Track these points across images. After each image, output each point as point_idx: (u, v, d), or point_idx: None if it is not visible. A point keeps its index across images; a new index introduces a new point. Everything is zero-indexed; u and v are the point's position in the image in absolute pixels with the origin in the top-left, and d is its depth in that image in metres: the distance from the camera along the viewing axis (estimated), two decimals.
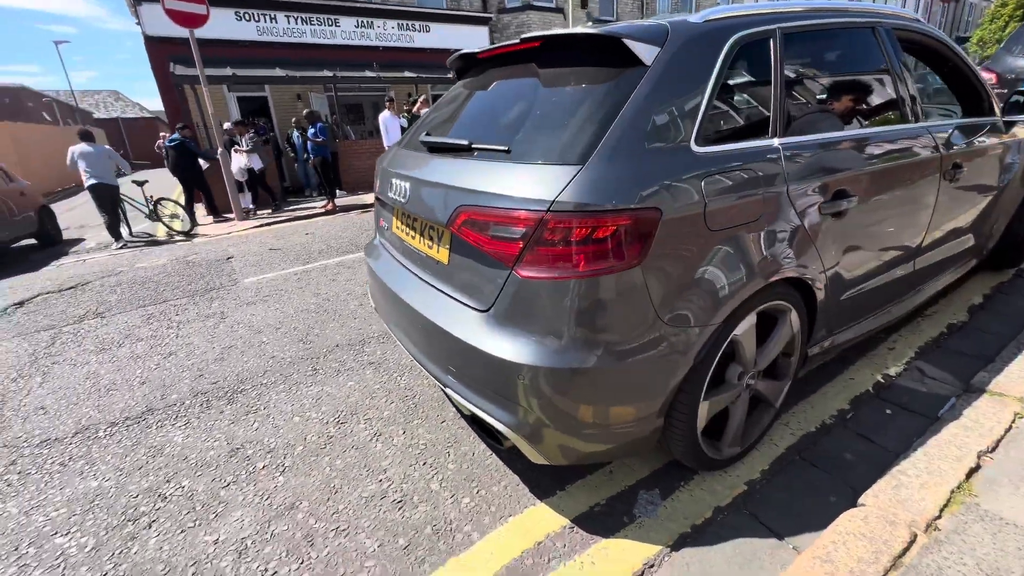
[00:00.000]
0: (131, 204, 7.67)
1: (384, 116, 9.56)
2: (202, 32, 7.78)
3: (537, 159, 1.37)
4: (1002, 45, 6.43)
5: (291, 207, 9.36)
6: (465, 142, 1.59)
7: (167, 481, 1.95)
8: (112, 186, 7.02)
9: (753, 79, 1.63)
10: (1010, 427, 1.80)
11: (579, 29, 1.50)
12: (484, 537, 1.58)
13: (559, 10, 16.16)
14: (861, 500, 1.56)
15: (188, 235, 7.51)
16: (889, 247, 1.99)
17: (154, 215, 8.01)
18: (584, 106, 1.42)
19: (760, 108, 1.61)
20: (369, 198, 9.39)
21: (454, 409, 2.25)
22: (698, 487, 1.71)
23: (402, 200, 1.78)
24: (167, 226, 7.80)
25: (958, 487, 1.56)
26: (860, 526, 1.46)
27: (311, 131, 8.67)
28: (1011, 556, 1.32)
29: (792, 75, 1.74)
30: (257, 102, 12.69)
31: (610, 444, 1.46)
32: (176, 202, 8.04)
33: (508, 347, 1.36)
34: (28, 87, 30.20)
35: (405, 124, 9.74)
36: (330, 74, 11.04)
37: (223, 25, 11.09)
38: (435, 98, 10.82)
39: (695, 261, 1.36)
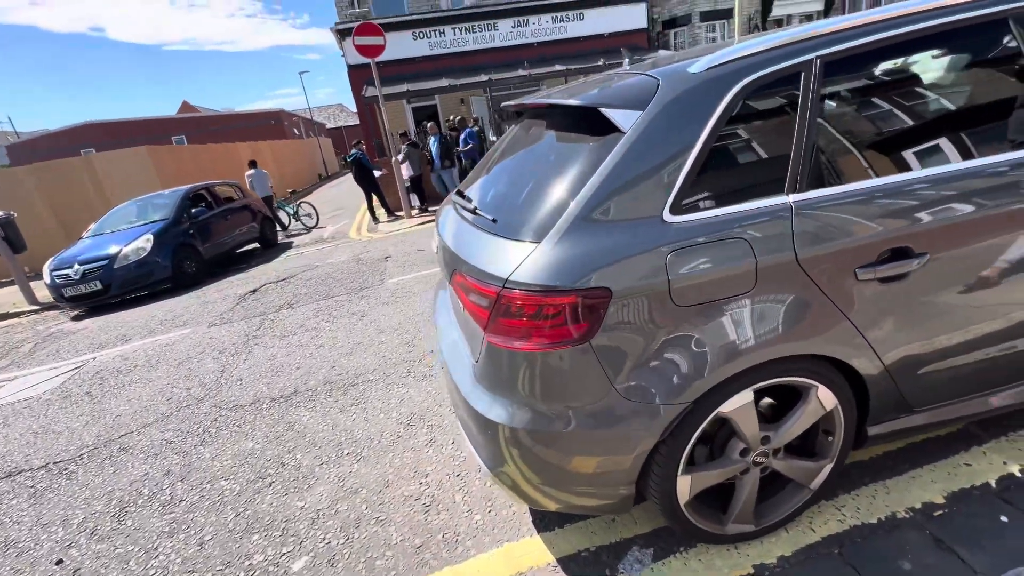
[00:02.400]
0: (282, 208, 11.30)
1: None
2: (385, 55, 9.19)
3: (509, 233, 1.48)
4: None
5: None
6: (472, 207, 1.76)
7: (288, 452, 2.64)
8: (268, 196, 10.80)
9: (765, 127, 1.43)
10: None
11: (563, 100, 1.53)
12: (478, 556, 1.80)
13: None
14: None
15: (309, 229, 10.57)
16: (992, 309, 1.51)
17: (295, 216, 11.16)
18: (554, 178, 1.47)
19: (772, 160, 1.40)
20: None
21: None
22: (696, 557, 1.63)
23: (434, 249, 2.06)
24: (303, 223, 11.13)
25: None
26: None
27: (461, 136, 9.55)
28: None
29: (834, 113, 1.45)
30: (429, 110, 14.41)
31: (575, 501, 1.53)
32: (310, 204, 11.49)
33: (477, 398, 1.53)
34: (284, 109, 39.35)
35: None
36: (485, 78, 11.90)
37: (402, 45, 12.85)
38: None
39: (655, 338, 1.32)
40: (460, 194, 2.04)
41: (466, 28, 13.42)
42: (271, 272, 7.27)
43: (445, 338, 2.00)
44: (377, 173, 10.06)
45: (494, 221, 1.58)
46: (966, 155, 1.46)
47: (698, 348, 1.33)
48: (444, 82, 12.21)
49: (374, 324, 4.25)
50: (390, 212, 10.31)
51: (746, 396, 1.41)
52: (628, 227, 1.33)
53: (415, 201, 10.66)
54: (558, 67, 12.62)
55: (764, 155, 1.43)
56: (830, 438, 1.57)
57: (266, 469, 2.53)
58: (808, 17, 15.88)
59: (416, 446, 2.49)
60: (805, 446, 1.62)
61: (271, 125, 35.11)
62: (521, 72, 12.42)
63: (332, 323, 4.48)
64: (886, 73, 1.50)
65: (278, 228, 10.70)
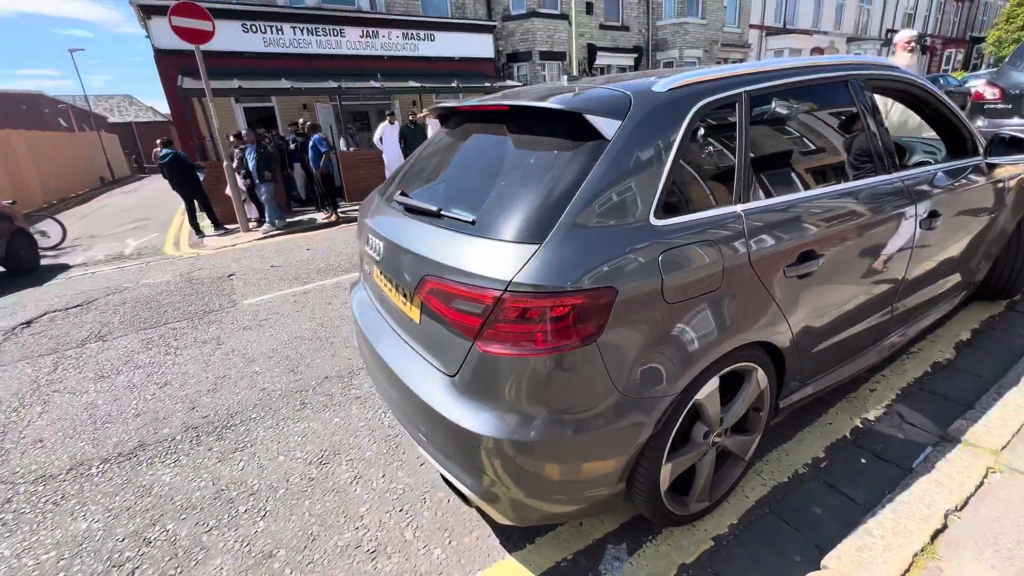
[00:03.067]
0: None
1: (382, 126, 9.70)
2: (209, 44, 7.90)
3: (498, 234, 1.40)
4: (1007, 60, 6.33)
5: (292, 217, 9.46)
6: (435, 208, 1.63)
7: (153, 524, 2.02)
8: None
9: (716, 145, 1.65)
10: (981, 483, 1.80)
11: (543, 103, 1.53)
12: None
13: (564, 16, 16.18)
14: (824, 562, 1.58)
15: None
16: (863, 297, 2.00)
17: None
18: (545, 180, 1.45)
19: (722, 174, 1.63)
20: None
21: None
22: (665, 542, 1.73)
23: (377, 258, 1.83)
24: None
25: (922, 550, 1.57)
26: None
27: (310, 144, 8.71)
28: None
29: (758, 137, 1.76)
30: (264, 112, 12.87)
31: (572, 507, 1.50)
32: (57, 220, 8.82)
33: (470, 417, 1.40)
34: (45, 93, 30.85)
35: (396, 138, 9.83)
36: (335, 85, 11.16)
37: (230, 37, 11.28)
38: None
39: (652, 335, 1.39)
40: (403, 195, 1.86)
41: (308, 29, 12.42)
42: (49, 298, 5.54)
43: (386, 353, 1.78)
44: (201, 176, 8.55)
45: (472, 223, 1.48)
46: (853, 177, 1.91)
47: (685, 341, 1.44)
48: (285, 83, 11.06)
49: (238, 353, 3.56)
50: (218, 225, 8.80)
51: (714, 383, 1.57)
52: (622, 229, 1.38)
53: (252, 212, 9.35)
54: (412, 83, 12.52)
55: (717, 168, 1.64)
56: (760, 413, 1.83)
57: (122, 553, 1.89)
58: (622, 68, 18.77)
59: (338, 486, 2.14)
60: (740, 424, 1.87)
61: (23, 112, 27.14)
62: (374, 84, 11.96)
63: (175, 356, 3.60)
64: (785, 108, 1.88)
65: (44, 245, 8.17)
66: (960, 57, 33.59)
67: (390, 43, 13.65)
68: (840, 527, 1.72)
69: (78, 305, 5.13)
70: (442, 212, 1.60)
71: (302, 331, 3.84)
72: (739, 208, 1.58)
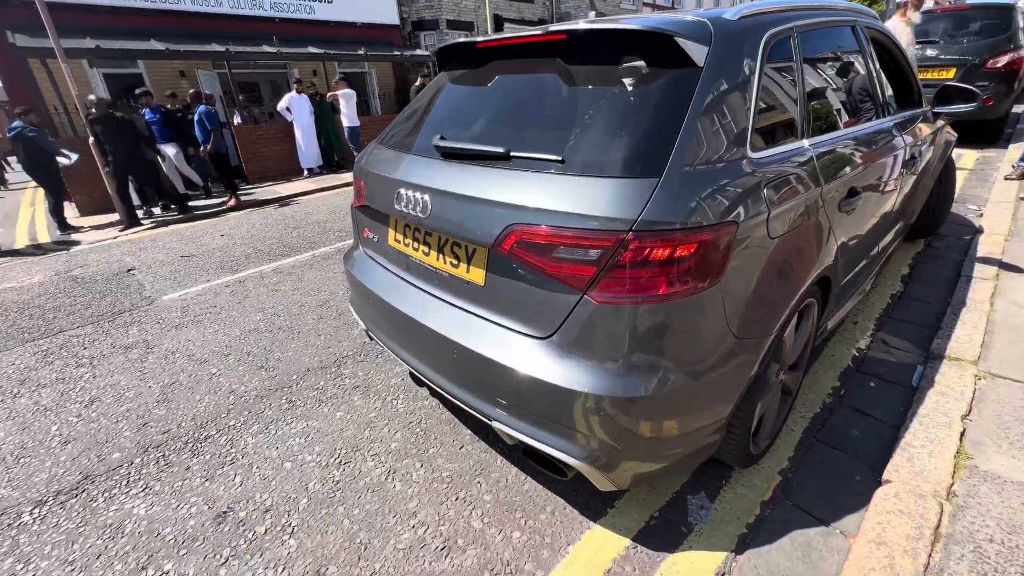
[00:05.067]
0: None
1: (288, 96, 8.72)
2: None
3: (601, 171, 1.25)
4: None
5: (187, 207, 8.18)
6: (501, 150, 1.41)
7: (142, 569, 1.60)
8: None
9: (782, 78, 1.63)
10: (975, 390, 2.05)
11: (620, 24, 1.38)
12: (550, 572, 1.49)
13: None
14: (885, 476, 1.69)
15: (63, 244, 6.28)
16: (873, 232, 2.15)
17: None
18: (642, 112, 1.31)
19: (787, 109, 1.61)
20: (283, 188, 8.51)
21: (470, 432, 2.09)
22: (739, 484, 1.75)
23: (417, 214, 1.56)
24: None
25: (957, 452, 1.75)
26: (895, 503, 1.57)
27: (196, 116, 7.46)
28: (1019, 511, 1.50)
29: (808, 74, 1.77)
30: (130, 80, 10.85)
31: (680, 462, 1.43)
32: None
33: (580, 376, 1.25)
34: None
35: (307, 107, 8.93)
36: (222, 49, 9.71)
37: None
38: (344, 77, 9.93)
39: (759, 272, 1.34)
40: (443, 148, 1.60)
41: None
42: None
43: (437, 324, 1.56)
44: (66, 162, 6.94)
45: (561, 162, 1.31)
46: (862, 120, 2.01)
47: (784, 278, 1.42)
48: (156, 44, 9.35)
49: (181, 354, 2.97)
50: (62, 225, 6.77)
51: (793, 320, 1.58)
52: (729, 161, 1.30)
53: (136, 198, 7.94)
54: (312, 49, 11.28)
55: (785, 102, 1.61)
56: (807, 349, 1.90)
57: None
58: None
59: (372, 485, 1.87)
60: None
61: None
62: (268, 48, 10.57)
63: (93, 368, 2.91)
64: (821, 46, 1.91)
65: None
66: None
67: (281, 3, 12.16)
68: (880, 444, 1.86)
69: None
70: (512, 153, 1.40)
71: (254, 324, 3.31)
72: (806, 143, 1.58)
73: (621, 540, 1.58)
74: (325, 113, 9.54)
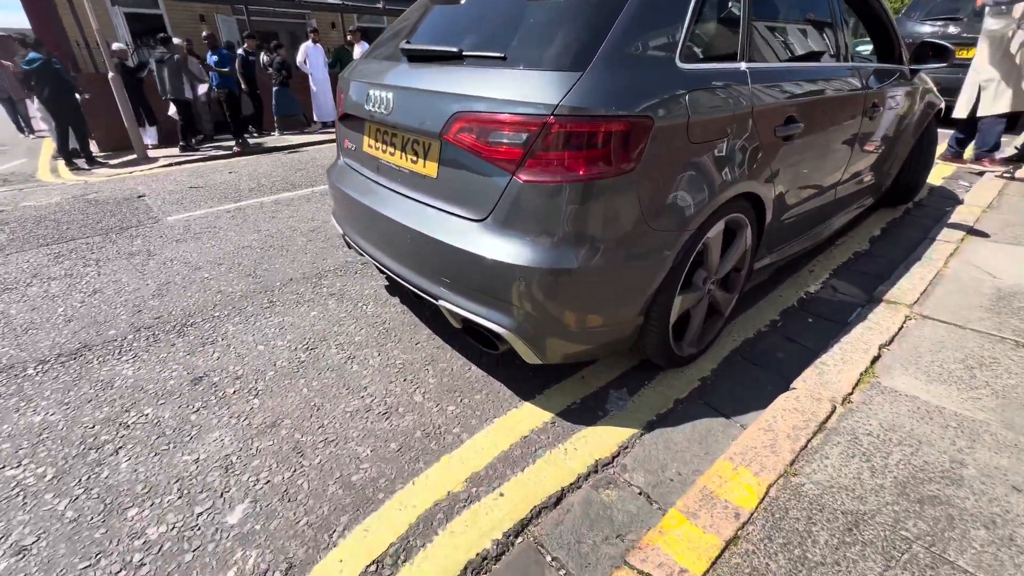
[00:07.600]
0: None
1: (305, 47, 8.76)
2: None
3: (536, 65, 1.38)
4: (902, 12, 7.06)
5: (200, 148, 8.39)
6: (454, 49, 1.55)
7: (126, 411, 1.85)
8: None
9: (725, 4, 1.72)
10: (902, 327, 2.18)
11: None
12: (473, 436, 1.69)
13: None
14: (793, 385, 1.84)
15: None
16: (821, 174, 2.25)
17: None
18: (578, 14, 1.43)
19: (730, 33, 1.71)
20: (296, 139, 8.66)
21: (428, 331, 2.29)
22: (660, 384, 1.92)
23: (383, 112, 1.72)
24: None
25: (865, 371, 1.89)
26: (793, 404, 1.73)
27: (211, 58, 7.60)
28: (903, 416, 1.65)
29: (757, 4, 1.85)
30: (151, 21, 10.98)
31: (598, 342, 1.60)
32: None
33: (508, 251, 1.41)
34: None
35: (323, 60, 8.96)
36: None
37: None
38: (364, 32, 9.91)
39: (678, 169, 1.48)
40: (409, 51, 1.74)
41: None
42: None
43: (395, 214, 1.73)
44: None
45: (503, 58, 1.44)
46: (816, 58, 2.08)
47: (704, 181, 1.55)
48: None
49: (179, 261, 3.20)
50: (90, 160, 6.94)
51: (720, 227, 1.72)
52: (657, 65, 1.42)
53: (151, 138, 8.19)
54: (333, 0, 11.26)
55: (727, 27, 1.72)
56: (740, 273, 2.04)
57: (96, 437, 1.72)
58: None
59: (332, 366, 2.08)
60: (724, 281, 2.07)
61: None
62: None
63: (99, 267, 3.16)
64: None
65: None
66: None
67: None
68: (800, 365, 2.00)
69: None
70: (464, 52, 1.53)
71: (248, 242, 3.53)
72: (743, 65, 1.68)
73: (542, 415, 1.77)
74: (343, 66, 9.56)
